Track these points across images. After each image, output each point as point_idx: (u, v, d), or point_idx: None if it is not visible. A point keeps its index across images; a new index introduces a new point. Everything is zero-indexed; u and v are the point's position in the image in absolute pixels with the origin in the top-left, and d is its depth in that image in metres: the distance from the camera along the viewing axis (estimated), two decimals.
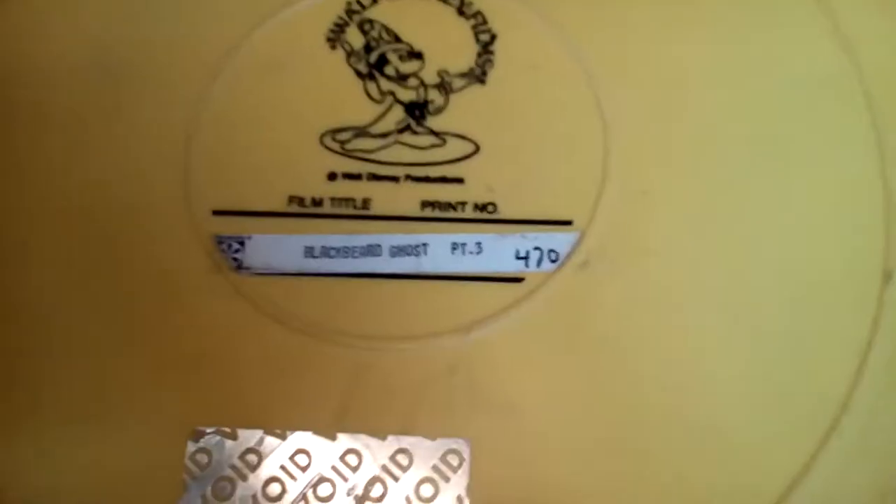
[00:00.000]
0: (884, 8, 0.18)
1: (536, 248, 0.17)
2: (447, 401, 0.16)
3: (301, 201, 0.17)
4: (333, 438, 0.15)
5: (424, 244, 0.17)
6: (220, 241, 0.17)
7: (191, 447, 0.15)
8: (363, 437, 0.15)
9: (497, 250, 0.17)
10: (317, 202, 0.17)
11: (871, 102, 0.17)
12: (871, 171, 0.17)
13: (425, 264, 0.17)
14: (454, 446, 0.15)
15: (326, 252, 0.17)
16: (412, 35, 0.19)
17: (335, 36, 0.19)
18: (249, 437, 0.15)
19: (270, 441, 0.15)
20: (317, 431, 0.16)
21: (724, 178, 0.17)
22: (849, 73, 0.18)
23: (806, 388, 0.16)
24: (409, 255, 0.17)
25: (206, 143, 0.18)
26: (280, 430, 0.16)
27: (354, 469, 0.15)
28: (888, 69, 0.18)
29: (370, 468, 0.15)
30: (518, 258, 0.17)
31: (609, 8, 0.18)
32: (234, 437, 0.15)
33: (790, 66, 0.18)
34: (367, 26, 0.19)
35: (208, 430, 0.15)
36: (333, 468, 0.15)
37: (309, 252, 0.17)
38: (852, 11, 0.18)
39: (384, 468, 0.15)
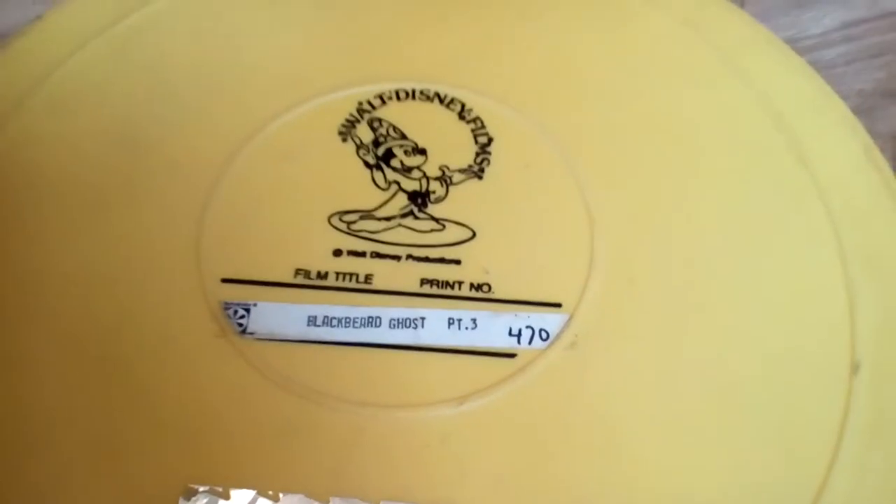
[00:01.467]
0: (836, 125, 0.21)
1: (528, 327, 0.18)
2: (439, 469, 0.16)
3: (307, 274, 0.18)
4: (326, 502, 0.15)
5: (422, 318, 0.18)
6: (226, 306, 0.18)
7: None
8: (356, 501, 0.16)
9: (491, 327, 0.18)
10: (322, 275, 0.18)
11: (828, 207, 0.19)
12: (834, 270, 0.19)
13: (423, 337, 0.18)
14: None
15: (329, 321, 0.18)
16: (417, 134, 0.20)
17: (346, 130, 0.20)
18: (242, 497, 0.15)
19: (263, 502, 0.15)
20: (310, 494, 0.16)
21: (700, 269, 0.19)
22: (807, 184, 0.20)
23: (785, 474, 0.17)
24: (407, 327, 0.18)
25: (219, 217, 0.19)
26: (273, 492, 0.16)
27: None
28: (841, 181, 0.20)
29: None
30: (511, 335, 0.18)
31: (595, 116, 0.21)
32: (226, 496, 0.15)
33: (754, 177, 0.20)
34: (376, 124, 0.21)
35: (200, 489, 0.15)
36: None
37: (312, 321, 0.18)
38: (811, 134, 0.21)
39: None
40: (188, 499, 0.15)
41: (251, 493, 0.15)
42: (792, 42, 0.23)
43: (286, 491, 0.16)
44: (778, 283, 0.19)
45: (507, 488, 0.16)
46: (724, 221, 0.19)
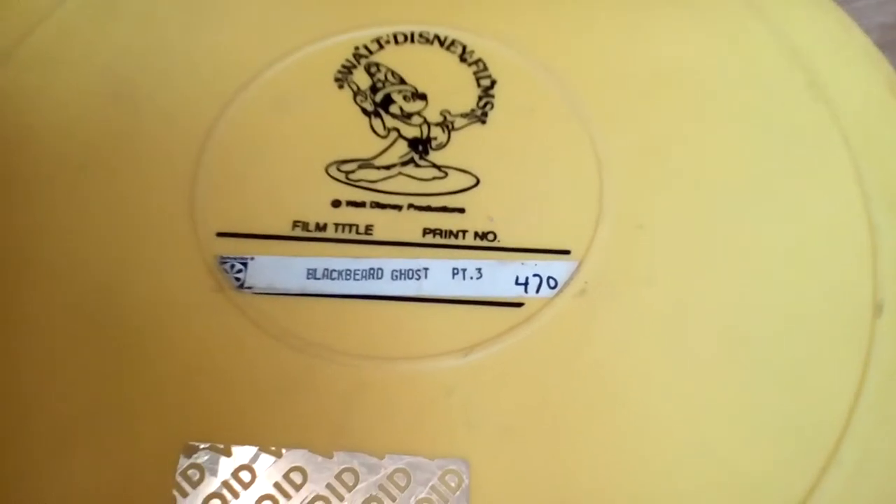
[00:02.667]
0: (858, 60, 0.20)
1: (535, 275, 0.17)
2: (445, 422, 0.16)
3: (305, 226, 0.18)
4: (330, 457, 0.15)
5: (425, 268, 0.17)
6: (222, 261, 0.17)
7: (183, 462, 0.15)
8: (360, 455, 0.15)
9: (497, 276, 0.17)
10: (320, 227, 0.18)
11: (849, 145, 0.18)
12: (856, 210, 0.18)
13: (426, 288, 0.17)
14: (453, 467, 0.15)
15: (328, 274, 0.17)
16: (416, 78, 0.20)
17: (343, 77, 0.20)
18: (244, 453, 0.15)
19: (265, 458, 0.15)
20: (313, 449, 0.15)
21: (714, 213, 0.18)
22: (827, 122, 0.19)
23: (804, 418, 0.16)
24: (409, 278, 0.17)
25: (213, 169, 0.18)
26: (275, 448, 0.15)
27: (351, 488, 0.15)
28: (863, 118, 0.19)
29: (367, 487, 0.15)
30: (517, 284, 0.17)
31: (602, 56, 0.20)
32: (227, 453, 0.15)
33: (770, 116, 0.19)
34: (373, 69, 0.20)
35: (201, 446, 0.15)
36: (329, 486, 0.15)
37: (311, 274, 0.17)
38: (829, 67, 0.20)
39: (381, 487, 0.15)
40: (189, 456, 0.15)
41: (253, 450, 0.15)
42: None
43: (289, 446, 0.15)
44: (796, 226, 0.18)
45: (514, 440, 0.16)
46: (738, 163, 0.18)
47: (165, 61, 0.20)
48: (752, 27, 0.21)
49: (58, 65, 0.20)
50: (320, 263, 0.17)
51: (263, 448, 0.15)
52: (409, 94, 0.19)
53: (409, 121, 0.19)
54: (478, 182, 0.18)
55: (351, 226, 0.18)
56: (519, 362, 0.16)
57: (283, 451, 0.15)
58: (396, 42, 0.20)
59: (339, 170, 0.18)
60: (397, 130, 0.19)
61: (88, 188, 0.18)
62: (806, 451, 0.16)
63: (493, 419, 0.16)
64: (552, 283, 0.17)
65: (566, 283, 0.17)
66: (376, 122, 0.19)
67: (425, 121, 0.19)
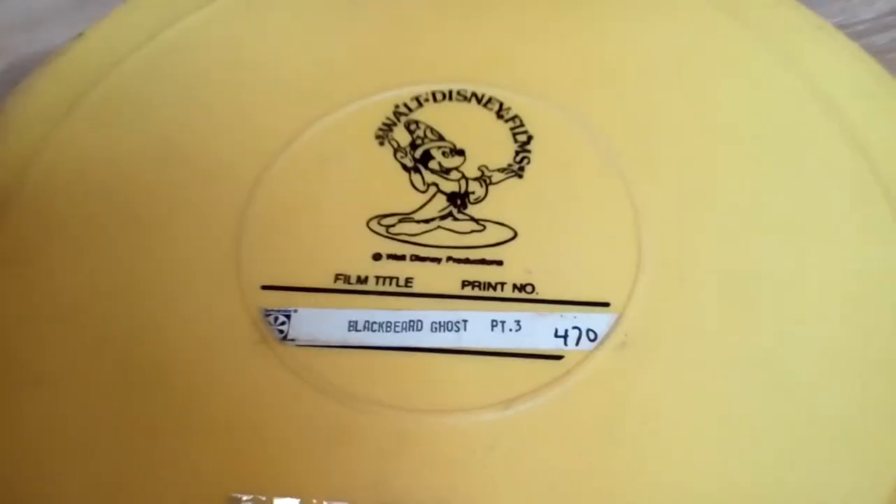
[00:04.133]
0: (890, 110, 0.20)
1: (575, 328, 0.17)
2: (486, 476, 0.16)
3: (347, 279, 0.18)
4: None
5: (465, 320, 0.17)
6: (266, 313, 0.17)
7: None
8: None
9: (536, 328, 0.17)
10: (362, 280, 0.18)
11: (891, 200, 0.18)
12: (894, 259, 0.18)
13: (465, 340, 0.17)
14: None
15: (369, 326, 0.17)
16: (455, 135, 0.20)
17: (383, 134, 0.20)
18: None
19: None
20: (354, 502, 0.15)
21: (755, 262, 0.18)
22: (866, 174, 0.19)
23: (853, 476, 0.16)
24: (449, 330, 0.17)
25: (258, 224, 0.19)
26: (316, 500, 0.15)
27: None
28: None
29: None
30: (557, 336, 0.17)
31: (637, 108, 0.20)
32: None
33: (809, 167, 0.19)
34: (413, 126, 0.20)
35: (244, 498, 0.15)
36: None
37: (353, 326, 0.17)
38: (868, 121, 0.20)
39: None
40: None
41: (295, 502, 0.15)
42: (842, 28, 0.22)
43: (330, 499, 0.15)
44: (838, 280, 0.18)
45: (557, 496, 0.15)
46: (777, 216, 0.18)
47: (210, 121, 0.20)
48: (789, 80, 0.21)
49: (111, 124, 0.20)
50: (361, 315, 0.17)
51: (305, 501, 0.15)
52: (447, 150, 0.20)
53: (447, 176, 0.19)
54: (515, 235, 0.18)
55: (391, 278, 0.18)
56: (560, 415, 0.16)
57: (325, 503, 0.15)
58: (435, 100, 0.21)
59: (379, 224, 0.19)
60: (436, 185, 0.19)
61: (136, 243, 0.18)
62: None
63: (535, 474, 0.16)
64: (592, 335, 0.17)
65: (606, 336, 0.17)
66: (416, 178, 0.19)
67: (463, 176, 0.19)
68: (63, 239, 0.18)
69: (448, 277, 0.18)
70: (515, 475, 0.16)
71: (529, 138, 0.20)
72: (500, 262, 0.18)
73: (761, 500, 0.16)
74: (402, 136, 0.20)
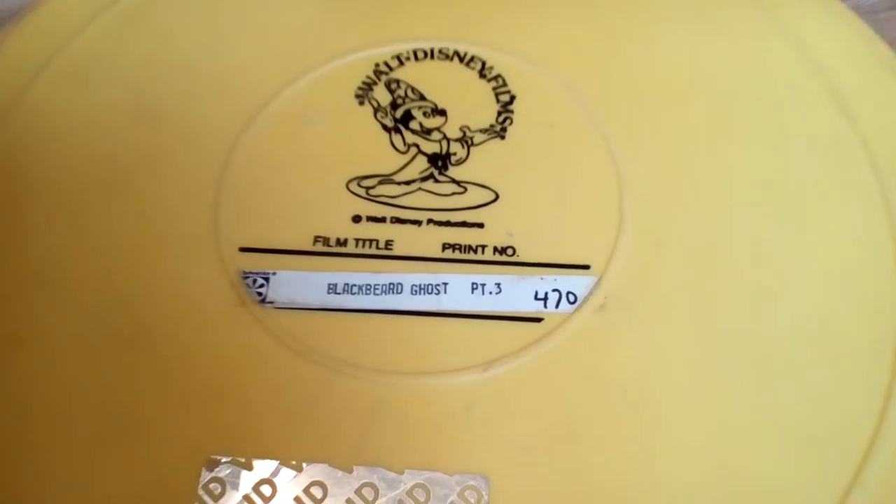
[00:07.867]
0: (881, 73, 0.19)
1: (555, 290, 0.17)
2: (464, 437, 0.16)
3: (326, 241, 0.18)
4: (350, 471, 0.15)
5: (445, 283, 0.17)
6: (245, 275, 0.17)
7: (205, 476, 0.15)
8: (380, 470, 0.15)
9: (516, 291, 0.17)
10: (341, 242, 0.18)
11: (873, 159, 0.18)
12: (881, 227, 0.18)
13: (445, 303, 0.17)
14: (472, 482, 0.15)
15: (349, 289, 0.17)
16: (436, 94, 0.20)
17: (363, 93, 0.20)
18: (265, 467, 0.15)
19: (286, 472, 0.15)
20: (333, 464, 0.15)
21: (735, 227, 0.18)
22: (850, 137, 0.19)
23: (827, 436, 0.16)
24: (429, 293, 0.17)
25: (236, 185, 0.18)
26: (296, 462, 0.15)
27: (370, 503, 0.15)
28: (885, 129, 0.19)
29: (386, 502, 0.15)
30: (537, 299, 0.17)
31: (621, 71, 0.20)
32: (248, 466, 0.15)
33: (792, 131, 0.19)
34: (393, 85, 0.20)
35: (223, 459, 0.15)
36: (348, 501, 0.15)
37: (332, 288, 0.17)
38: (851, 80, 0.19)
39: (400, 503, 0.15)
40: (211, 469, 0.15)
41: (274, 464, 0.15)
42: None
43: (309, 461, 0.15)
44: (819, 243, 0.18)
45: (533, 456, 0.16)
46: (759, 179, 0.18)
47: (188, 80, 0.20)
48: (775, 41, 0.21)
49: (85, 82, 0.20)
50: (341, 278, 0.17)
51: (284, 462, 0.15)
52: (428, 110, 0.19)
53: (428, 136, 0.19)
54: (497, 197, 0.18)
55: (371, 241, 0.18)
56: (538, 377, 0.16)
57: (304, 465, 0.15)
58: (416, 58, 0.20)
59: (359, 185, 0.18)
60: (417, 146, 0.19)
61: (113, 204, 0.18)
62: (830, 469, 0.16)
63: (513, 434, 0.16)
64: (571, 298, 0.17)
65: (586, 299, 0.17)
66: (396, 139, 0.19)
67: (445, 136, 0.19)
68: (37, 201, 0.18)
69: (428, 240, 0.18)
70: (494, 436, 0.16)
71: (512, 98, 0.20)
72: (481, 225, 0.18)
73: (735, 458, 0.16)
74: (382, 95, 0.20)
